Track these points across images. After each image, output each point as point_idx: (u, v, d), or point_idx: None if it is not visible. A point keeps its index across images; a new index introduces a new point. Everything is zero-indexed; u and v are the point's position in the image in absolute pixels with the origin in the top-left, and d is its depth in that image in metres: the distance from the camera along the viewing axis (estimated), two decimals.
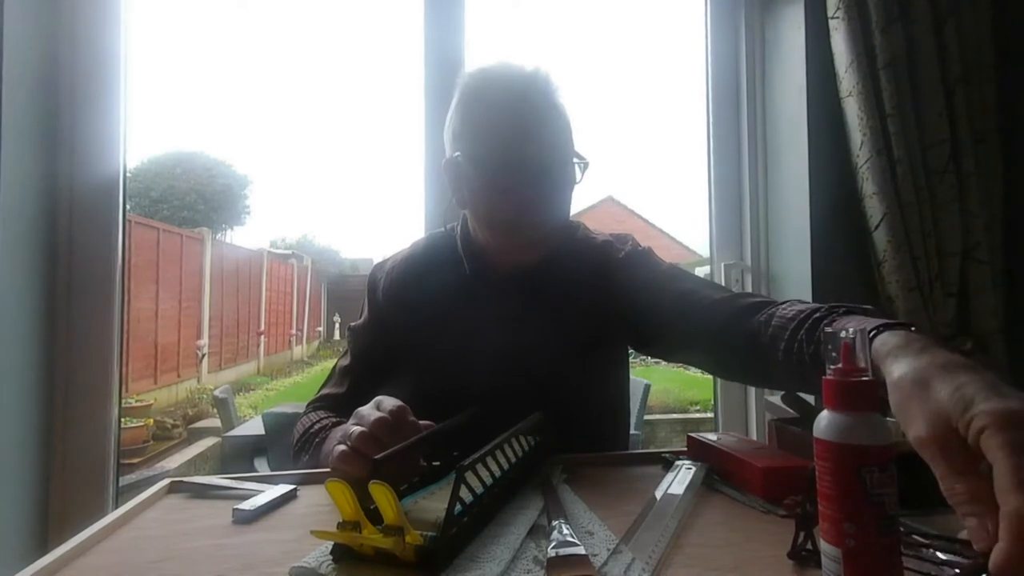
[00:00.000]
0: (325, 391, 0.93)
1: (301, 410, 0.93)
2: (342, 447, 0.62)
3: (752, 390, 1.50)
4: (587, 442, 0.79)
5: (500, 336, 0.84)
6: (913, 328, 0.48)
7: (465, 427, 0.68)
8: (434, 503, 0.54)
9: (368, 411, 0.65)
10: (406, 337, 0.89)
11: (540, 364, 0.83)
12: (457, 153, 0.83)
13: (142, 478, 3.89)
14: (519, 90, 0.80)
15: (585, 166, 0.84)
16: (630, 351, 0.94)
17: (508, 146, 0.79)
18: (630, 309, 0.84)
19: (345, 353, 0.95)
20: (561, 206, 0.84)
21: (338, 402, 0.89)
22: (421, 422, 0.65)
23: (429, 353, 0.87)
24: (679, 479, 0.62)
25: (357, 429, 0.62)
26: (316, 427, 0.84)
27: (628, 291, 0.85)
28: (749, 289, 1.51)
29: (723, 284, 1.51)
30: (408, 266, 0.93)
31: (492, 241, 0.86)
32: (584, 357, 0.85)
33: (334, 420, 0.84)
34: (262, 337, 8.23)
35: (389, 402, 0.65)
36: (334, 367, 0.95)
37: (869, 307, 0.59)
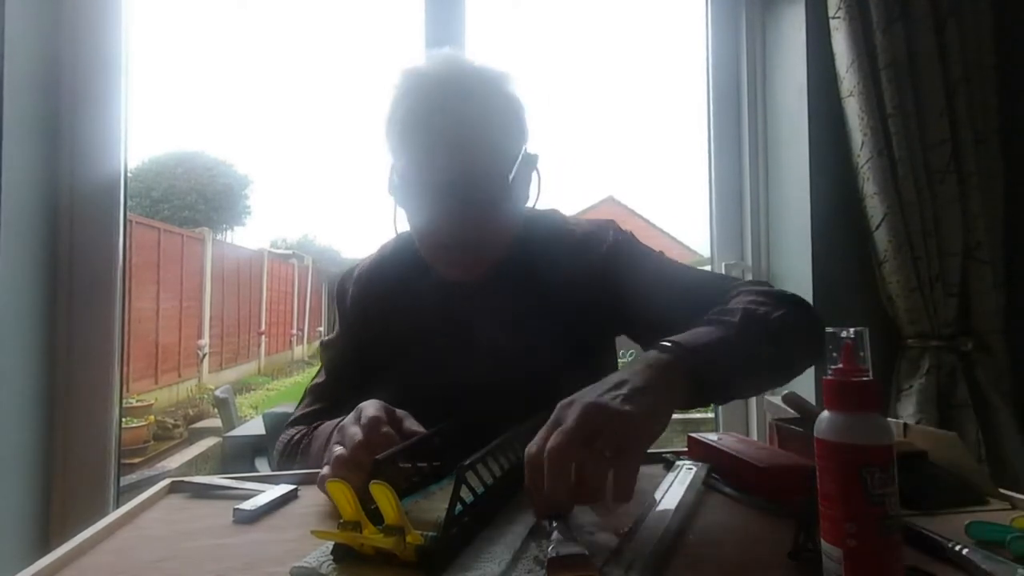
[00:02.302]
0: (300, 412, 0.86)
1: None
2: (325, 470, 0.59)
3: None
4: None
5: (479, 338, 0.79)
6: (671, 346, 0.57)
7: (448, 439, 0.65)
8: (434, 503, 0.54)
9: (352, 430, 0.61)
10: (381, 346, 0.83)
11: (524, 363, 0.77)
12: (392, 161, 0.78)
13: (143, 478, 3.89)
14: (439, 95, 0.72)
15: (532, 161, 0.78)
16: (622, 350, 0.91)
17: (424, 162, 0.73)
18: (622, 304, 0.80)
19: (318, 372, 0.90)
20: (490, 224, 0.75)
21: (317, 419, 0.82)
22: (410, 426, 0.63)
23: (407, 361, 0.82)
24: (680, 479, 0.62)
25: (338, 451, 0.59)
26: (296, 437, 0.80)
27: (614, 288, 0.80)
28: None
29: None
30: (376, 272, 0.88)
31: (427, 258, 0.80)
32: (568, 354, 0.80)
33: (315, 426, 0.80)
34: (263, 337, 8.24)
35: (369, 411, 0.62)
36: (305, 390, 0.89)
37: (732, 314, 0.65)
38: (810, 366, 0.73)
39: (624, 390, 0.52)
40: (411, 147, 0.74)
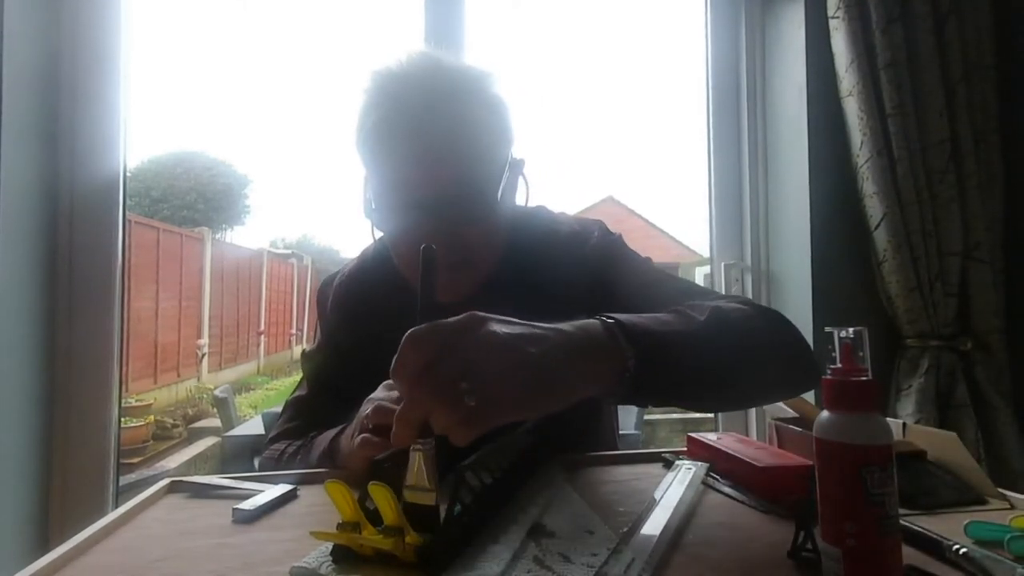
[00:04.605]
0: (281, 426, 0.83)
1: None
2: (364, 435, 0.59)
3: None
4: (573, 442, 0.73)
5: None
6: (613, 319, 0.51)
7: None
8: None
9: (381, 393, 0.61)
10: (364, 357, 0.74)
11: None
12: (365, 172, 0.72)
13: (142, 478, 3.90)
14: (415, 102, 0.65)
15: (519, 167, 0.73)
16: None
17: (401, 180, 0.66)
18: (604, 307, 0.77)
19: (299, 384, 0.87)
20: (477, 243, 0.69)
21: (298, 435, 0.79)
22: None
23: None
24: (679, 479, 0.62)
25: (372, 407, 0.59)
26: (291, 450, 0.76)
27: (599, 290, 0.75)
28: (749, 288, 1.51)
29: (723, 284, 1.51)
30: (357, 278, 0.84)
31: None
32: None
33: (311, 436, 0.76)
34: (262, 337, 8.25)
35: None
36: (286, 403, 0.86)
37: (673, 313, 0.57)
38: (793, 392, 0.67)
39: (533, 347, 0.45)
40: (386, 162, 0.67)
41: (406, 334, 0.43)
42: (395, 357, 0.43)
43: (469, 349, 0.43)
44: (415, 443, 0.45)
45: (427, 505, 0.44)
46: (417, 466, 0.45)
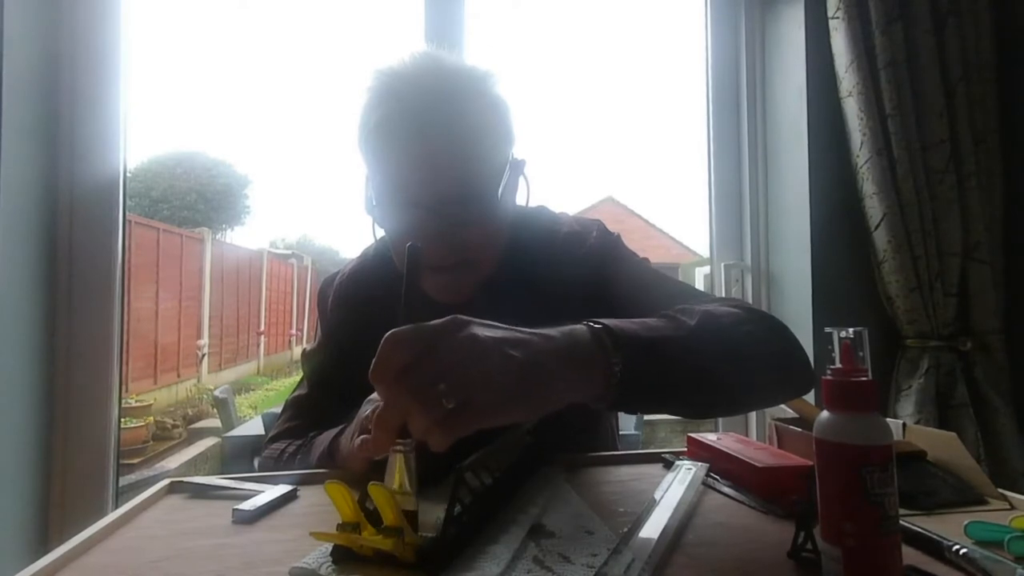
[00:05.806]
0: (281, 427, 0.83)
1: None
2: (363, 436, 0.58)
3: None
4: (573, 443, 0.72)
5: None
6: (601, 325, 0.50)
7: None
8: (434, 503, 0.53)
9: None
10: (364, 357, 0.78)
11: None
12: (367, 170, 0.72)
13: (142, 478, 3.90)
14: (418, 101, 0.65)
15: (520, 167, 0.73)
16: None
17: (403, 178, 0.66)
18: (601, 308, 0.76)
19: (299, 383, 0.87)
20: (479, 243, 0.70)
21: (298, 435, 0.79)
22: None
23: None
24: (679, 479, 0.62)
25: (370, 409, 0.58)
26: (291, 450, 0.76)
27: (595, 291, 0.75)
28: (749, 288, 1.51)
29: (723, 284, 1.51)
30: (358, 278, 0.84)
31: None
32: None
33: (311, 436, 0.76)
34: (262, 337, 8.24)
35: None
36: (285, 402, 0.86)
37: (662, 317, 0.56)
38: (786, 398, 0.67)
39: (515, 351, 0.44)
40: (389, 161, 0.67)
41: (386, 335, 0.43)
42: (374, 358, 0.42)
43: (449, 352, 0.43)
44: (395, 445, 0.44)
45: (407, 511, 0.43)
46: (396, 469, 0.44)
